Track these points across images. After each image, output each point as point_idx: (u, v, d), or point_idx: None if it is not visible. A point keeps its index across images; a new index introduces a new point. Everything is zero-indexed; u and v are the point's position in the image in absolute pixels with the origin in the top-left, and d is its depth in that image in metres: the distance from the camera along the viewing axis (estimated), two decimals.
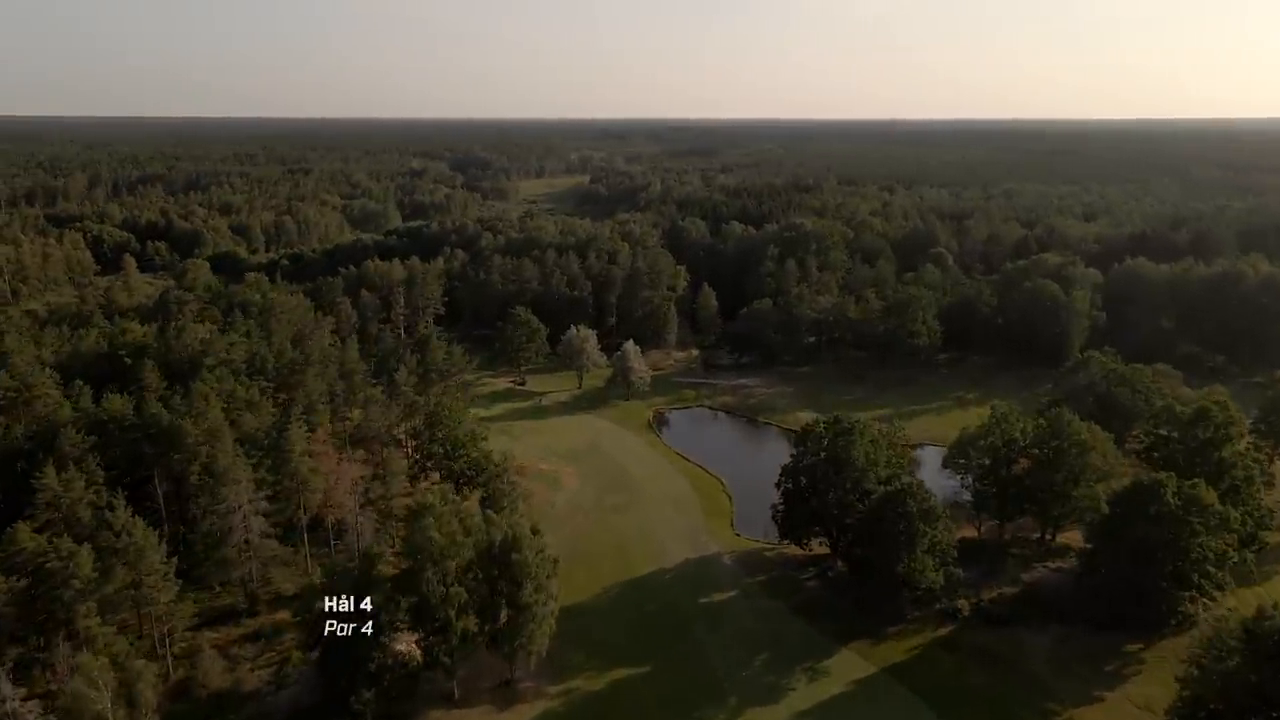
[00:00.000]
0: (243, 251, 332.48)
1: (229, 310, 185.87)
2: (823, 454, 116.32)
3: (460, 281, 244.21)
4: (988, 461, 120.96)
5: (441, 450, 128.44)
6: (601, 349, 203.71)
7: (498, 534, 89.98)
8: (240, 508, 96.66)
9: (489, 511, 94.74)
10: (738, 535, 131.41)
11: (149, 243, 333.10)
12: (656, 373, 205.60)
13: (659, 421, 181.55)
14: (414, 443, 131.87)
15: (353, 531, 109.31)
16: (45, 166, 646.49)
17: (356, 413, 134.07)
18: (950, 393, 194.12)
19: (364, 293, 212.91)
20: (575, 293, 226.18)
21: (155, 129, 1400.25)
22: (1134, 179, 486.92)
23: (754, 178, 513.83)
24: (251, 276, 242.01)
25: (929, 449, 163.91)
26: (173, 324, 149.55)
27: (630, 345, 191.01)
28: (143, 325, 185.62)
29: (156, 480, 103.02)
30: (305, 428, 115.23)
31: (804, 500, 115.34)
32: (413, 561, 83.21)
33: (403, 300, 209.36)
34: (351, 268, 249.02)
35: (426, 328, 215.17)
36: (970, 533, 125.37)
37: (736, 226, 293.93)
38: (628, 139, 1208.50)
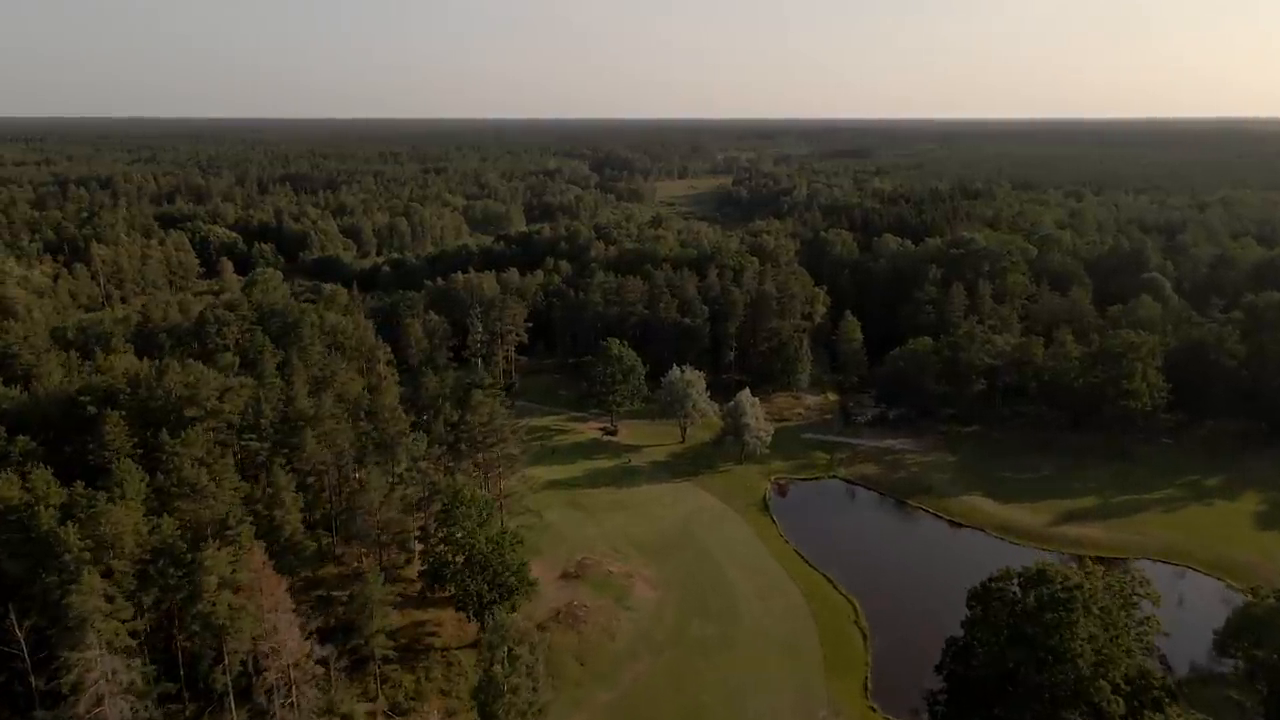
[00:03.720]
0: (346, 255, 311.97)
1: (279, 335, 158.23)
2: (1013, 623, 72.95)
3: (558, 299, 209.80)
4: None
5: (461, 559, 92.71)
6: (713, 393, 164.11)
7: None
8: (96, 683, 63.27)
9: None
10: (873, 709, 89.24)
11: (256, 244, 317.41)
12: (781, 424, 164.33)
13: (777, 495, 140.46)
14: (421, 547, 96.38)
15: (293, 697, 74.37)
16: (201, 165, 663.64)
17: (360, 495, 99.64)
18: (1180, 475, 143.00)
19: (431, 315, 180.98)
20: (688, 320, 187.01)
21: (319, 129, 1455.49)
22: None
23: (913, 181, 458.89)
24: (328, 289, 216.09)
25: (1158, 568, 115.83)
26: (155, 361, 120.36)
27: (746, 396, 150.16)
28: (173, 350, 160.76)
29: (13, 615, 71.21)
30: (254, 531, 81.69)
31: (982, 702, 72.25)
32: None
33: (480, 324, 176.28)
34: (439, 280, 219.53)
35: (508, 359, 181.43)
36: None
37: (891, 240, 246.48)
38: (777, 139, 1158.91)
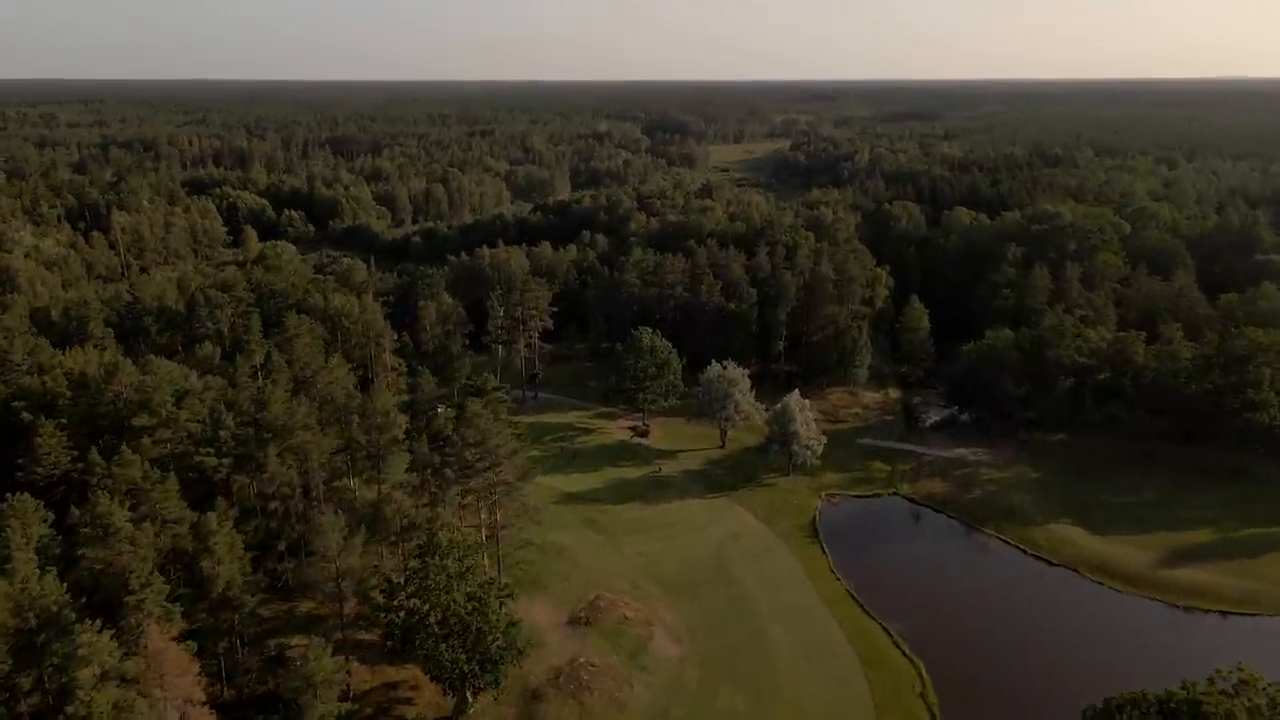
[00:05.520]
0: (375, 224, 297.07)
1: (278, 318, 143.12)
2: None
3: (592, 277, 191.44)
4: None
5: (435, 619, 75.69)
6: (759, 387, 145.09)
7: None
8: None
9: None
10: None
11: (285, 211, 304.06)
12: (835, 426, 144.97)
13: (829, 507, 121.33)
14: (387, 601, 79.36)
15: None
16: (249, 127, 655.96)
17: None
18: None
19: (444, 299, 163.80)
20: (733, 305, 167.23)
21: (374, 91, 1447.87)
22: None
23: (984, 146, 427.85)
24: (345, 263, 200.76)
25: None
26: (102, 360, 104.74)
27: (795, 400, 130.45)
28: (159, 336, 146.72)
29: None
30: (162, 596, 65.62)
31: None
32: None
33: (499, 308, 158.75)
34: (463, 255, 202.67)
35: (531, 347, 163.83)
36: None
37: (963, 213, 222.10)
38: (838, 101, 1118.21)
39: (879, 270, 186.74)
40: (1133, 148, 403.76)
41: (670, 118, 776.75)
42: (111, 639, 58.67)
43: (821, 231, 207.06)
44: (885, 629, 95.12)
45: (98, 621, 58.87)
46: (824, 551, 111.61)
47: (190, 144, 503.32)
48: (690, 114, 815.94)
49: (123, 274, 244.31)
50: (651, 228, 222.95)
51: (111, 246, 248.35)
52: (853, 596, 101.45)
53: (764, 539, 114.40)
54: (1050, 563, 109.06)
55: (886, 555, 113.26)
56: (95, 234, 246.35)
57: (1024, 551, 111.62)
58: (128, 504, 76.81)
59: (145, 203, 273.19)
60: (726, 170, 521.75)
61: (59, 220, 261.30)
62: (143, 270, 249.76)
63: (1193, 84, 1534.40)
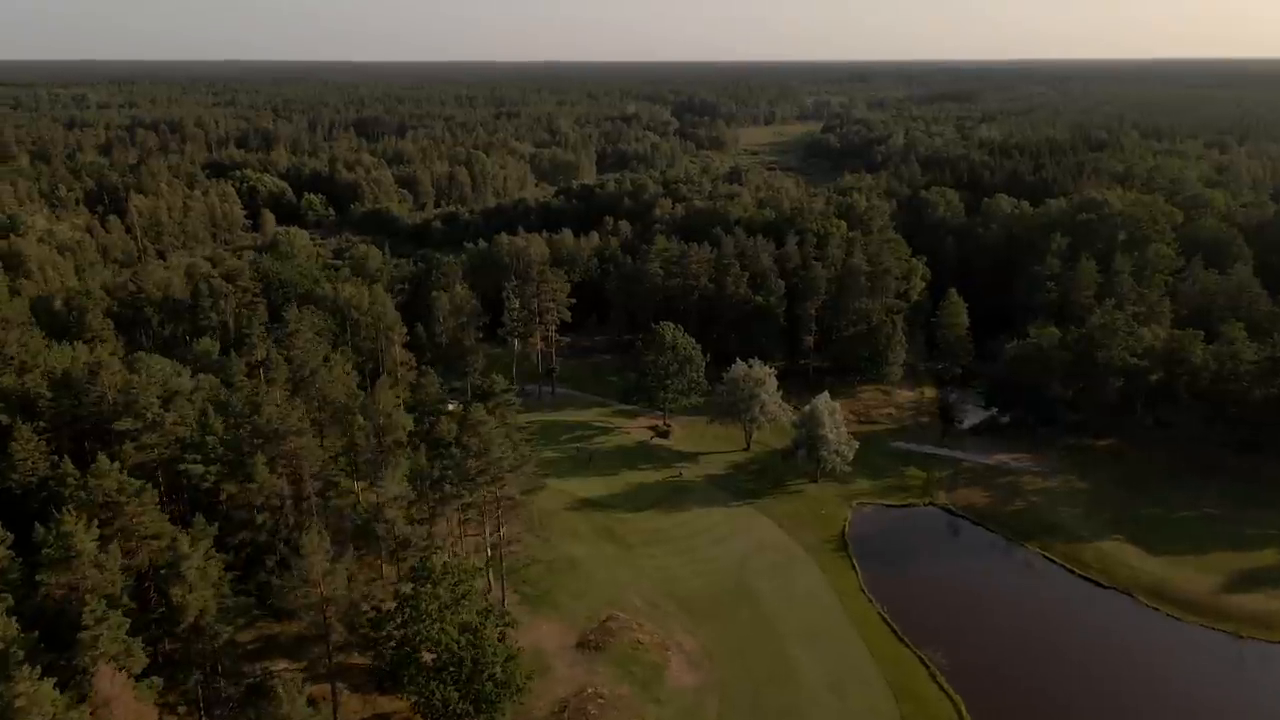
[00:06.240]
0: (400, 208, 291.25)
1: (278, 314, 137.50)
2: None
3: (614, 266, 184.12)
4: None
5: (427, 648, 69.27)
6: (787, 384, 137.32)
7: None
8: None
9: None
10: None
11: (305, 195, 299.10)
12: (867, 427, 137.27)
13: (857, 529, 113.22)
14: (375, 633, 72.96)
15: None
16: (276, 108, 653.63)
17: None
18: None
19: (459, 288, 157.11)
20: (760, 297, 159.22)
21: (406, 71, 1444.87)
22: None
23: (1025, 129, 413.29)
24: (360, 250, 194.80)
25: None
26: (85, 361, 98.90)
27: (824, 402, 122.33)
28: (164, 327, 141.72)
29: None
30: (122, 631, 59.62)
31: None
32: None
33: (515, 300, 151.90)
34: (479, 242, 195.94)
35: (548, 340, 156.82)
36: None
37: (1004, 201, 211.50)
38: (872, 81, 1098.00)
39: (915, 261, 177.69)
40: (1181, 130, 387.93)
41: (699, 99, 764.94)
42: (55, 686, 52.57)
43: (854, 219, 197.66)
44: (920, 658, 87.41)
45: (37, 668, 52.69)
46: (854, 567, 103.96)
47: (216, 124, 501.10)
48: (720, 95, 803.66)
49: (138, 259, 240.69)
50: (677, 214, 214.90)
51: (128, 231, 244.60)
52: (884, 619, 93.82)
53: (788, 553, 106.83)
54: (1101, 585, 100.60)
55: (921, 573, 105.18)
56: (112, 218, 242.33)
57: (1072, 572, 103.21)
58: (100, 519, 71.13)
59: (164, 186, 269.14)
60: (756, 153, 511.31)
61: (77, 204, 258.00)
62: (159, 255, 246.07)
63: (1239, 64, 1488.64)
